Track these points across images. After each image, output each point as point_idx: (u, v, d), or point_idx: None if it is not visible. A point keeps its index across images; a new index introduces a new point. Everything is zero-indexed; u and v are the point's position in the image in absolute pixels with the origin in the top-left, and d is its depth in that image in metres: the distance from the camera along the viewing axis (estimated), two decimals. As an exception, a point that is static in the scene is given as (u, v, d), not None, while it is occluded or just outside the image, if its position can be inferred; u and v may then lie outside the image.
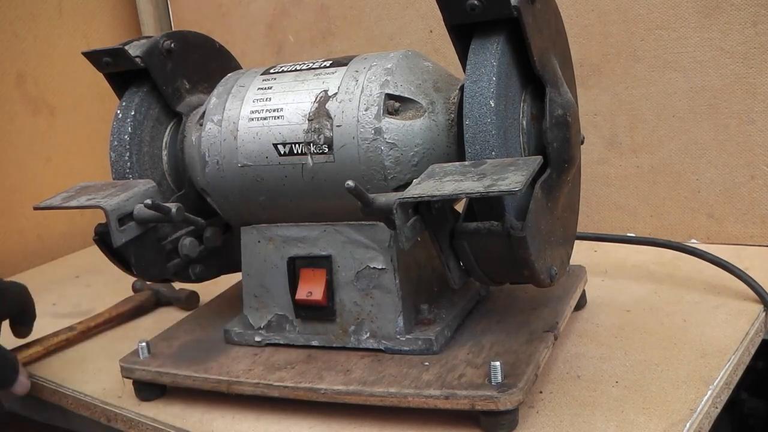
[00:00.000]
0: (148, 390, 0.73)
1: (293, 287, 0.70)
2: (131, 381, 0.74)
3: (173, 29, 1.43)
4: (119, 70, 0.78)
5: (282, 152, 0.69)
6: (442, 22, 0.61)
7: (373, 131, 0.65)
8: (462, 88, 0.62)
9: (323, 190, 0.68)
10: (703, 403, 0.61)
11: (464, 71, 0.61)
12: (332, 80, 0.68)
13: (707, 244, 0.94)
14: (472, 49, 0.61)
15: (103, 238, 0.72)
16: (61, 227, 1.39)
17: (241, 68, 0.82)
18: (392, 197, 0.57)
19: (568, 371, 0.68)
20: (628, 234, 1.01)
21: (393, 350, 0.67)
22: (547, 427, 0.60)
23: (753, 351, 0.72)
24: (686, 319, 0.75)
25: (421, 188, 0.56)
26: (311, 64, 0.72)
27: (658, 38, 0.94)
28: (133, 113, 0.78)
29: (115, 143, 0.77)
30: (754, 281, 0.78)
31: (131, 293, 1.00)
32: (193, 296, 0.97)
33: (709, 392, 0.62)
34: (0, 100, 1.30)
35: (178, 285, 0.93)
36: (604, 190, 1.02)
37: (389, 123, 0.65)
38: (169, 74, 0.79)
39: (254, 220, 0.73)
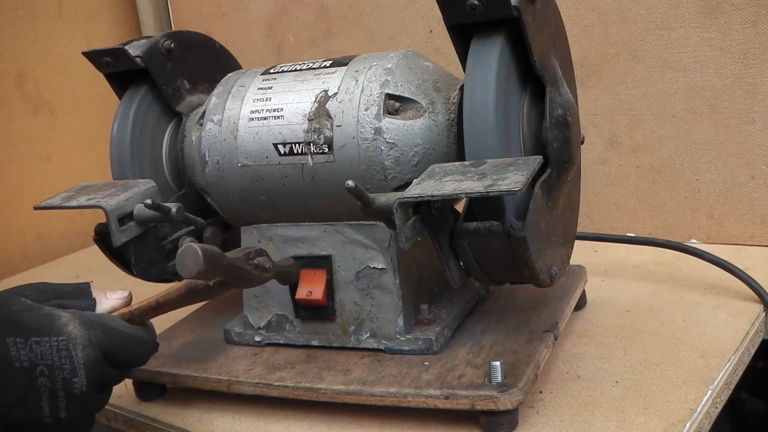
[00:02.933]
0: (148, 390, 0.73)
1: (293, 287, 0.70)
2: (131, 381, 0.74)
3: (173, 29, 1.43)
4: (119, 70, 0.78)
5: (282, 152, 0.69)
6: (442, 22, 0.61)
7: (373, 131, 0.65)
8: (462, 88, 0.62)
9: (323, 190, 0.68)
10: (703, 403, 0.61)
11: (464, 71, 0.61)
12: (332, 80, 0.68)
13: (707, 244, 0.94)
14: (472, 49, 0.61)
15: (103, 238, 0.72)
16: (61, 227, 1.39)
17: (241, 68, 0.82)
18: (392, 197, 0.57)
19: (568, 371, 0.68)
20: (628, 234, 1.01)
21: (393, 350, 0.67)
22: (547, 427, 0.60)
23: (753, 351, 0.72)
24: (686, 319, 0.75)
25: (421, 188, 0.56)
26: (311, 64, 0.72)
27: (658, 38, 0.94)
28: (133, 113, 0.78)
29: (115, 143, 0.77)
30: (754, 281, 0.78)
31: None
32: None
33: (709, 392, 0.62)
34: (0, 100, 1.30)
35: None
36: (604, 190, 1.02)
37: (389, 123, 0.65)
38: (169, 74, 0.79)
39: (254, 220, 0.73)
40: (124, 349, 0.58)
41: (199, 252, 0.53)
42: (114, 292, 0.63)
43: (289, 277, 0.68)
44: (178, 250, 0.55)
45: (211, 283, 0.61)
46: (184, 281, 0.62)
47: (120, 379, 0.60)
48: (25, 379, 0.53)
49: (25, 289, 0.58)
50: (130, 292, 0.64)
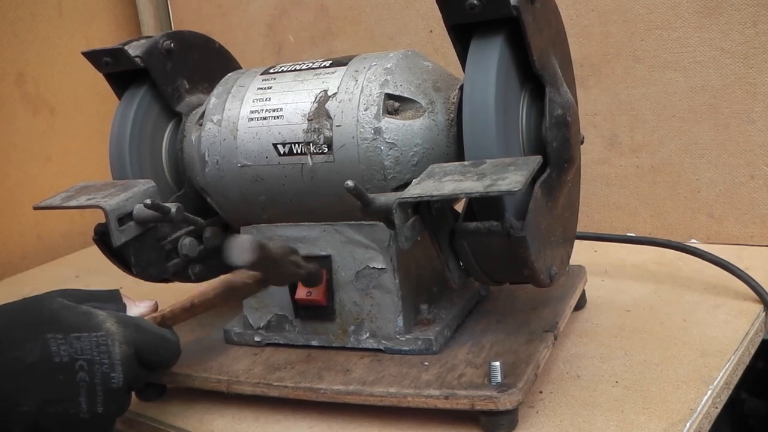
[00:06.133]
0: (148, 390, 0.73)
1: (293, 287, 0.70)
2: (131, 381, 0.74)
3: (173, 29, 1.43)
4: (119, 70, 0.78)
5: (282, 152, 0.69)
6: (442, 22, 0.61)
7: (372, 131, 0.65)
8: (462, 88, 0.62)
9: (323, 190, 0.68)
10: (703, 403, 0.61)
11: (464, 71, 0.61)
12: (332, 80, 0.68)
13: (707, 244, 0.94)
14: (471, 49, 0.61)
15: (102, 238, 0.72)
16: (61, 227, 1.39)
17: (241, 68, 0.82)
18: (392, 197, 0.57)
19: (568, 371, 0.68)
20: (628, 234, 1.01)
21: (393, 350, 0.67)
22: (546, 427, 0.60)
23: (753, 351, 0.72)
24: (686, 319, 0.75)
25: (421, 188, 0.56)
26: (311, 64, 0.72)
27: (658, 38, 0.94)
28: (132, 113, 0.78)
29: (115, 143, 0.77)
30: (754, 281, 0.78)
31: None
32: None
33: (709, 392, 0.62)
34: (0, 100, 1.30)
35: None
36: (604, 190, 1.02)
37: (389, 123, 0.65)
38: (168, 74, 0.79)
39: (254, 220, 0.73)
40: (155, 349, 0.60)
41: (252, 241, 0.55)
42: (141, 300, 0.66)
43: (315, 279, 0.68)
44: (229, 239, 0.55)
45: (250, 281, 0.61)
46: (221, 280, 0.63)
47: (143, 382, 0.61)
48: (64, 375, 0.54)
49: (59, 293, 0.60)
50: (156, 302, 0.66)
